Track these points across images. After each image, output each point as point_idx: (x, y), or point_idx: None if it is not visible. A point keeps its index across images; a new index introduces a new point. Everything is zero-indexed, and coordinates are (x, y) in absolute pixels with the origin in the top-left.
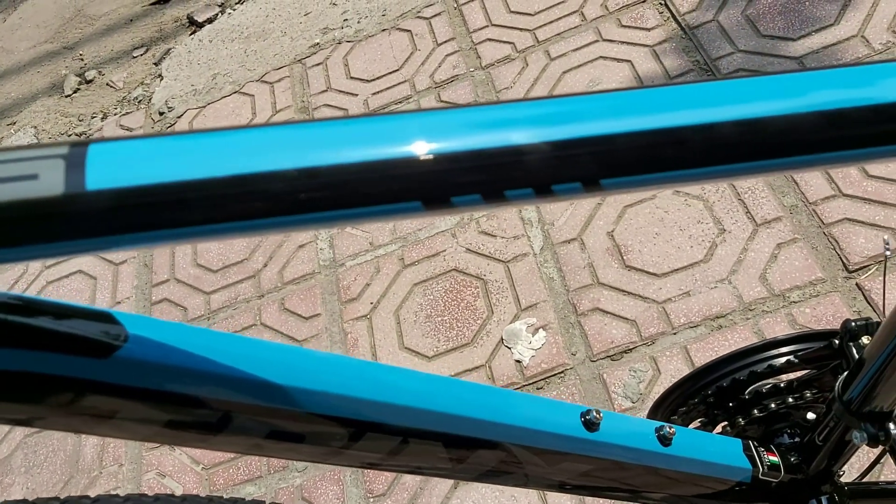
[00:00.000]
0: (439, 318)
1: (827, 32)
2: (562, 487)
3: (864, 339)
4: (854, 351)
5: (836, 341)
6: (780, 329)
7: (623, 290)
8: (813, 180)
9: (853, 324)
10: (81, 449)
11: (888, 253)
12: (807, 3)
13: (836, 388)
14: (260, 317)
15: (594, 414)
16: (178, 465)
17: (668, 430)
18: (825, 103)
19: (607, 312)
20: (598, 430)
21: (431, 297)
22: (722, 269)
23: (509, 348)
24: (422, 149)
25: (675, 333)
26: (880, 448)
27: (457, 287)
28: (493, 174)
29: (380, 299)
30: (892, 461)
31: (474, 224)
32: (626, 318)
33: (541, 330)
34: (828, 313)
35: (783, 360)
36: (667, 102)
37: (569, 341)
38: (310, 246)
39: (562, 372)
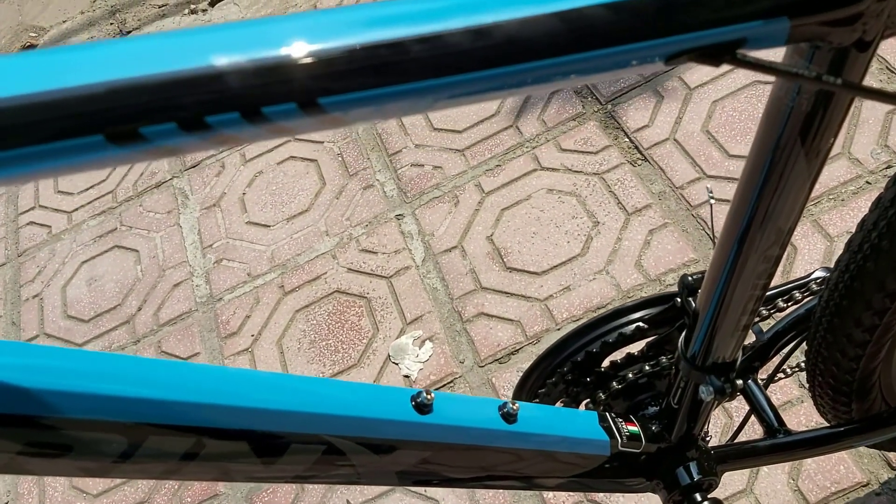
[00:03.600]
0: (323, 343)
1: None
2: (403, 479)
3: None
4: (693, 305)
5: (679, 299)
6: None
7: (506, 292)
8: (678, 166)
9: (690, 278)
10: None
11: (712, 201)
12: None
13: (679, 344)
14: None
15: (425, 395)
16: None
17: (511, 406)
18: (557, 3)
19: (492, 316)
20: (430, 411)
21: (314, 321)
22: (599, 260)
23: (396, 364)
24: (105, 78)
25: (558, 329)
26: (748, 409)
27: (340, 309)
28: (189, 100)
29: (261, 330)
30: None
31: (354, 243)
32: (511, 320)
33: (427, 342)
34: None
35: (633, 326)
36: (383, 17)
37: (456, 349)
38: (185, 284)
39: (451, 381)
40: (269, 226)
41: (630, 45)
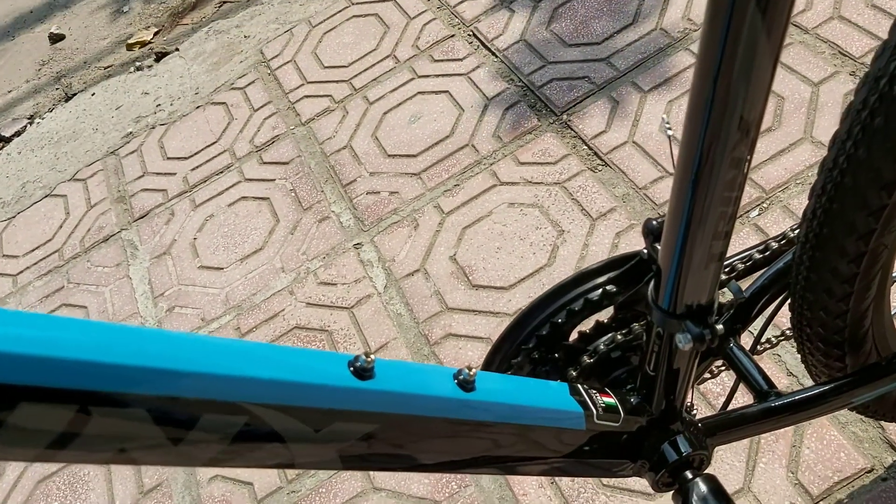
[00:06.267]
0: None
1: (628, 31)
2: (348, 461)
3: None
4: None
5: (645, 250)
6: None
7: (473, 311)
8: (639, 167)
9: (654, 222)
10: None
11: (670, 132)
12: (605, 9)
13: (649, 294)
14: None
15: (364, 359)
16: None
17: (468, 372)
18: None
19: (461, 336)
20: (372, 377)
21: None
22: (567, 268)
23: None
24: None
25: None
26: (734, 378)
27: (300, 345)
28: None
29: None
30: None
31: (312, 277)
32: (480, 338)
33: None
34: None
35: (599, 291)
36: None
37: None
38: None
39: None
40: (223, 268)
41: None
